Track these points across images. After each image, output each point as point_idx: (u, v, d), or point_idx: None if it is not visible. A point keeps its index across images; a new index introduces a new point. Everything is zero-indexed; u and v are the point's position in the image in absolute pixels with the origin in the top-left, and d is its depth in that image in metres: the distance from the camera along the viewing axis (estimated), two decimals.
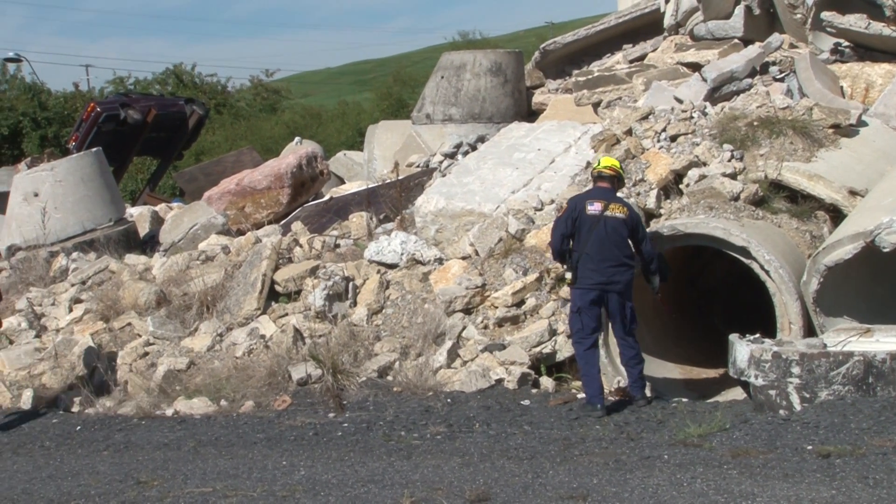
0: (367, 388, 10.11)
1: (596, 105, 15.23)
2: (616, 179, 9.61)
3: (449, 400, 9.72)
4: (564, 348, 10.26)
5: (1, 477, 8.47)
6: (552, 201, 11.68)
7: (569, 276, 9.24)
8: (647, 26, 16.84)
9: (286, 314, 11.33)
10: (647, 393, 9.53)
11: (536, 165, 12.90)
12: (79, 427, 9.94)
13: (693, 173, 11.31)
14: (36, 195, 14.46)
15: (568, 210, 9.28)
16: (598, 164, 9.67)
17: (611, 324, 9.50)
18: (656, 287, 9.64)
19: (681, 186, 11.41)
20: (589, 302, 9.18)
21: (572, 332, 9.36)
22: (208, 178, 19.06)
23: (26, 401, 10.71)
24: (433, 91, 16.89)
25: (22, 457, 9.12)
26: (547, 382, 10.09)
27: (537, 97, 17.08)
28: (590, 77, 15.58)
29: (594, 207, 9.21)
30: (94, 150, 15.91)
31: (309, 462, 8.25)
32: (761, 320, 9.90)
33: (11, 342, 11.96)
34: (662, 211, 11.20)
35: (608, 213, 9.20)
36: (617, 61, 16.66)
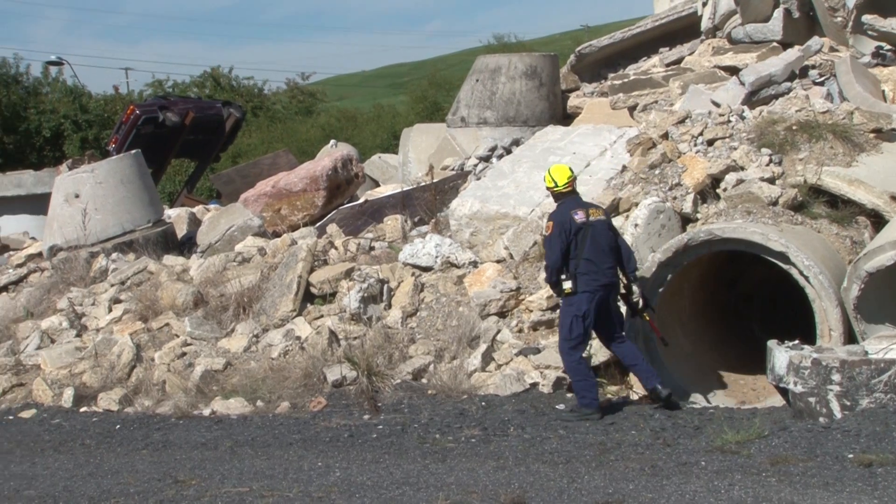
0: (402, 391, 10.13)
1: (632, 109, 15.16)
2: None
3: (483, 403, 9.72)
4: (599, 353, 10.22)
5: (43, 474, 8.58)
6: None
7: (568, 285, 9.25)
8: (683, 29, 16.74)
9: (321, 316, 11.38)
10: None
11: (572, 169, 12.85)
12: (118, 426, 10.04)
13: (730, 178, 11.24)
14: (77, 196, 14.58)
15: (557, 226, 9.30)
16: (562, 178, 9.59)
17: (599, 330, 9.53)
18: (635, 295, 9.68)
19: (718, 191, 11.35)
20: (595, 306, 9.26)
21: (570, 338, 9.29)
22: (245, 180, 19.15)
23: (67, 399, 10.83)
24: (468, 94, 16.90)
25: (63, 454, 9.23)
26: None
27: (573, 101, 17.04)
28: (626, 80, 15.52)
29: (579, 216, 9.35)
30: (133, 152, 16.03)
31: (344, 463, 8.28)
32: (800, 326, 9.82)
33: (53, 341, 12.10)
34: (699, 215, 11.14)
35: (592, 218, 9.39)
36: (653, 65, 16.58)
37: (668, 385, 9.43)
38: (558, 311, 10.59)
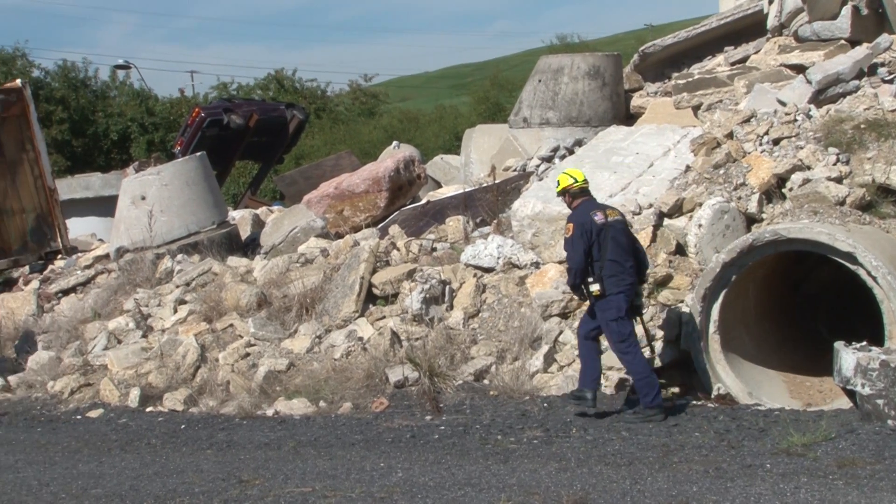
0: (464, 392, 10.14)
1: (696, 108, 15.00)
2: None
3: (545, 404, 9.69)
4: (663, 354, 10.16)
5: (110, 473, 8.72)
6: (650, 205, 11.56)
7: (596, 287, 9.16)
8: (749, 28, 16.52)
9: (383, 317, 11.42)
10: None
11: (634, 169, 12.77)
12: (183, 426, 10.17)
13: (797, 177, 11.08)
14: (143, 198, 14.79)
15: (577, 227, 9.20)
16: (576, 181, 9.51)
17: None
18: (641, 297, 9.62)
19: (783, 191, 11.19)
20: (629, 305, 9.21)
21: (622, 340, 9.16)
22: (308, 181, 19.29)
23: (133, 399, 11.00)
24: (530, 95, 16.85)
25: (130, 454, 9.37)
26: None
27: (636, 100, 16.91)
28: (690, 80, 15.36)
29: (599, 217, 9.26)
30: (198, 154, 16.22)
31: (406, 464, 8.30)
32: (868, 328, 9.64)
33: (119, 342, 12.29)
34: (764, 216, 11.00)
35: (610, 219, 9.30)
36: (718, 63, 16.38)
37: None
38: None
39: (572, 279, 9.34)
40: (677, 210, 11.23)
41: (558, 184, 9.64)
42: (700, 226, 10.78)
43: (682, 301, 10.39)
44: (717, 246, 10.48)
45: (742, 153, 11.72)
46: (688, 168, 12.06)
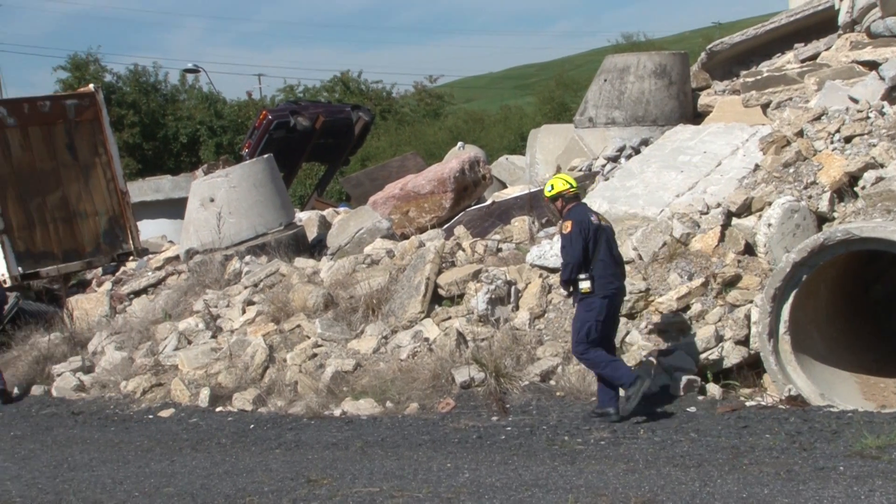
0: (530, 392, 10.12)
1: (765, 106, 14.81)
2: None
3: None
4: (732, 354, 10.05)
5: (181, 472, 8.85)
6: (718, 205, 11.43)
7: (586, 285, 9.34)
8: (819, 24, 16.26)
9: (449, 317, 11.43)
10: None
11: (702, 168, 12.64)
12: (252, 425, 10.28)
13: (869, 175, 10.87)
14: (212, 200, 14.96)
15: (576, 225, 9.44)
16: (572, 186, 9.76)
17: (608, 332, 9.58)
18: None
19: (855, 189, 10.99)
20: (612, 309, 9.48)
21: (586, 341, 9.33)
22: (374, 182, 19.40)
23: (203, 399, 11.15)
24: (596, 94, 16.77)
25: (200, 453, 9.50)
26: (714, 389, 9.88)
27: (703, 99, 16.74)
28: (759, 77, 15.17)
29: (594, 219, 9.58)
30: (265, 156, 16.38)
31: (473, 465, 8.31)
32: None
33: (189, 342, 12.46)
34: (836, 215, 10.81)
35: (602, 223, 9.65)
36: (787, 61, 16.15)
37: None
38: (688, 312, 10.44)
39: (567, 274, 9.53)
40: (746, 209, 11.09)
41: (552, 188, 9.84)
42: (770, 225, 10.64)
43: (750, 301, 10.26)
44: (787, 245, 10.33)
45: (813, 151, 11.53)
46: (757, 167, 11.91)
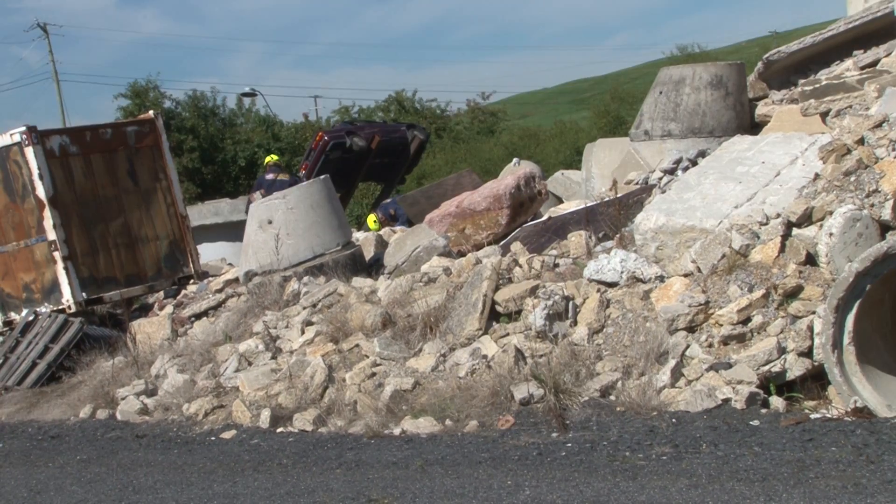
0: (590, 408, 10.04)
1: (824, 115, 14.62)
2: None
3: (674, 420, 9.52)
4: (795, 366, 9.89)
5: (244, 493, 8.90)
6: (778, 215, 11.29)
7: None
8: (879, 30, 16.03)
9: (507, 334, 11.40)
10: None
11: (760, 179, 12.50)
12: (312, 445, 10.32)
13: None
14: (270, 222, 15.11)
15: None
16: None
17: None
18: None
19: None
20: None
21: None
22: (429, 200, 19.46)
23: (264, 420, 11.22)
24: (651, 107, 16.68)
25: (262, 474, 9.55)
26: (777, 402, 9.72)
27: (760, 109, 16.57)
28: (817, 86, 14.99)
29: None
30: (322, 177, 16.51)
31: (534, 482, 8.26)
32: None
33: (250, 364, 12.56)
34: None
35: None
36: (847, 68, 15.94)
37: None
38: (749, 325, 10.32)
39: None
40: (806, 219, 10.94)
41: None
42: (831, 234, 10.48)
43: (813, 312, 10.10)
44: (850, 255, 10.17)
45: (874, 159, 11.35)
46: (817, 176, 11.75)
